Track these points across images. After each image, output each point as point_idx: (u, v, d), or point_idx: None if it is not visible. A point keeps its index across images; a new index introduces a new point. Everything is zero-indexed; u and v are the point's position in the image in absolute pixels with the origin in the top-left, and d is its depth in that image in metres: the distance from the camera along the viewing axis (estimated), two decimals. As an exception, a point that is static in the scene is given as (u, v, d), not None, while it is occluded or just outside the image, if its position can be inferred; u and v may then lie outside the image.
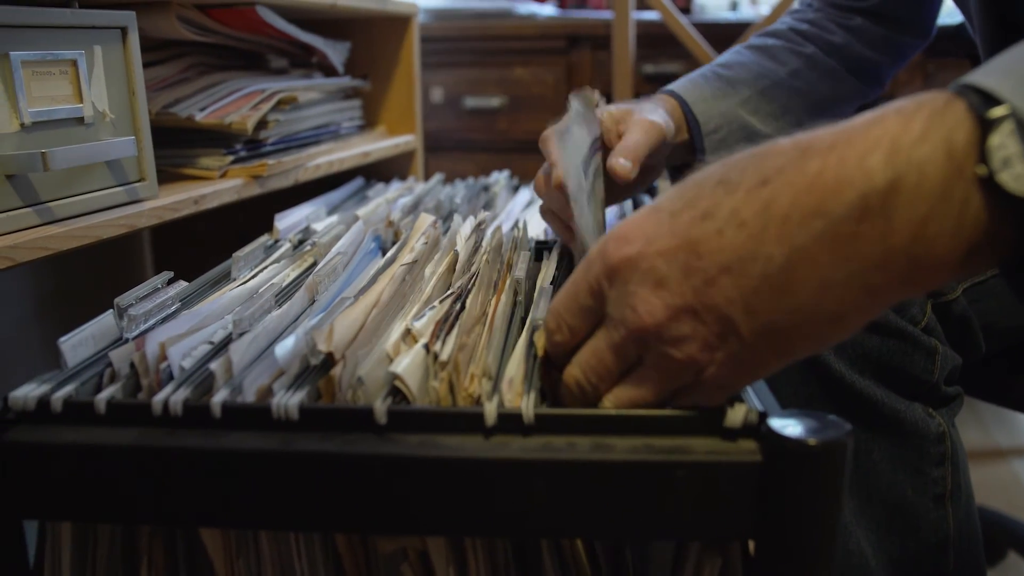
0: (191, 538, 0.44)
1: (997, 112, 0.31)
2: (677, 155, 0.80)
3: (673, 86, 0.82)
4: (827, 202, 0.34)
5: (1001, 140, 0.31)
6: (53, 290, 1.13)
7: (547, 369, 0.44)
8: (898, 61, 0.90)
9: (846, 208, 0.33)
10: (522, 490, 0.39)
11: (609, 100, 1.73)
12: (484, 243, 0.64)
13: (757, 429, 0.39)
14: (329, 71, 1.16)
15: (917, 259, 0.33)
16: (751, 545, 0.41)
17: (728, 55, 0.88)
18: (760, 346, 0.37)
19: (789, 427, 0.38)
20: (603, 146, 0.66)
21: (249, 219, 0.88)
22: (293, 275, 0.61)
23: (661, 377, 0.39)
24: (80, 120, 0.66)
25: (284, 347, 0.43)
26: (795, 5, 0.93)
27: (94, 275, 1.19)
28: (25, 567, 0.43)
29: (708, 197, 0.37)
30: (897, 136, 0.33)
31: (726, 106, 0.81)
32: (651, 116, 0.69)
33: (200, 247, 0.94)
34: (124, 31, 0.70)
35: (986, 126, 0.31)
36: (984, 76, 0.32)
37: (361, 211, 0.78)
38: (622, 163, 0.62)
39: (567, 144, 0.64)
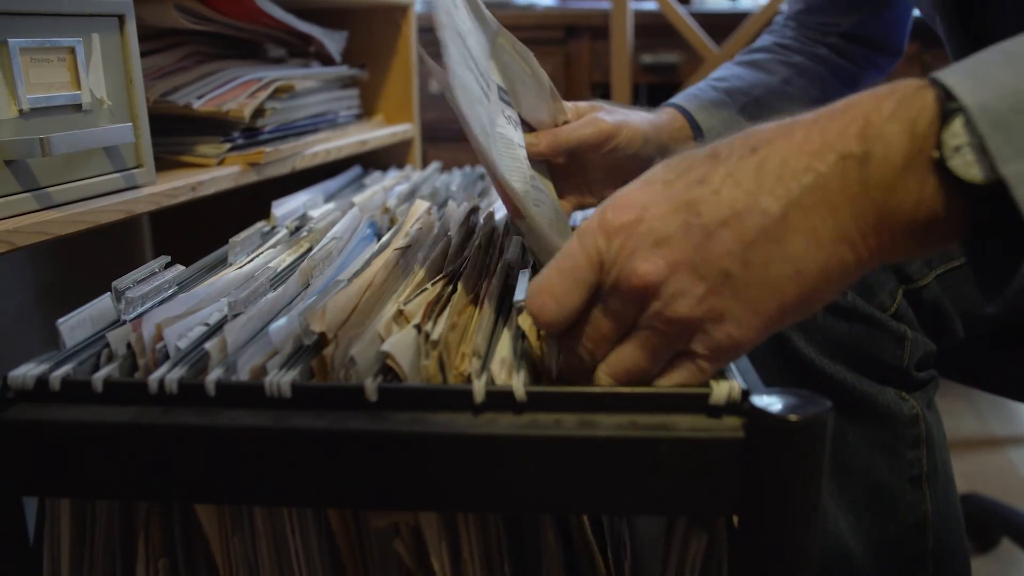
0: (187, 515, 0.45)
1: (954, 105, 0.35)
2: None
3: (675, 100, 0.83)
4: (814, 161, 0.37)
5: (955, 130, 0.34)
6: (53, 276, 1.14)
7: (548, 345, 0.44)
8: (874, 75, 0.93)
9: (830, 167, 0.37)
10: (510, 466, 0.39)
11: (607, 90, 1.74)
12: (477, 229, 0.65)
13: (740, 406, 0.40)
14: (327, 60, 1.17)
15: (887, 220, 0.37)
16: (735, 520, 0.41)
17: (720, 71, 0.90)
18: (753, 303, 0.38)
19: (771, 404, 0.38)
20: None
21: (249, 207, 0.88)
22: (289, 260, 0.62)
23: (655, 341, 0.40)
24: (78, 107, 0.67)
25: (278, 327, 0.43)
26: (773, 25, 0.96)
27: (94, 261, 1.20)
28: (25, 543, 0.44)
29: (700, 167, 0.40)
30: (869, 113, 0.37)
31: (726, 113, 0.82)
32: (608, 117, 0.69)
33: (199, 234, 0.95)
34: (122, 19, 0.71)
35: (945, 116, 0.35)
36: (950, 74, 0.36)
37: (358, 198, 0.78)
38: (531, 140, 0.64)
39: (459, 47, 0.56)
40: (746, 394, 0.40)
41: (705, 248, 0.38)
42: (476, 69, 0.55)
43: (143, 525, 0.44)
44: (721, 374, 0.42)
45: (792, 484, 0.38)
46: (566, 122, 0.68)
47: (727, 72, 0.88)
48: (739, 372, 0.43)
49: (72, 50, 0.66)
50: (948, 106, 0.35)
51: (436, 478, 0.40)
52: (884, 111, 0.36)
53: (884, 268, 0.66)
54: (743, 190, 0.38)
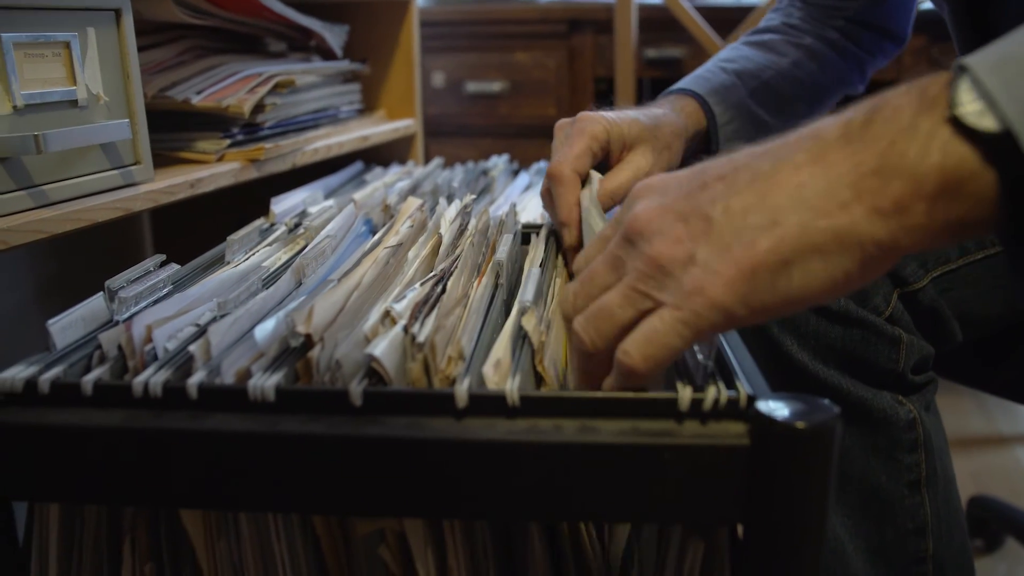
0: (174, 519, 0.44)
1: (962, 64, 0.34)
2: (691, 149, 0.80)
3: (684, 83, 0.81)
4: (820, 131, 0.38)
5: (967, 86, 0.34)
6: (53, 274, 1.13)
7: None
8: (880, 61, 0.92)
9: (832, 131, 0.37)
10: (499, 472, 0.38)
11: (611, 85, 1.72)
12: (470, 226, 0.64)
13: (745, 412, 0.39)
14: (328, 55, 1.16)
15: (888, 174, 0.35)
16: (739, 529, 0.40)
17: (728, 51, 0.88)
18: (725, 251, 0.37)
19: (777, 410, 0.37)
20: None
21: (252, 202, 0.87)
22: (285, 258, 0.61)
23: (630, 283, 0.39)
24: (74, 103, 0.66)
25: (264, 329, 0.42)
26: (778, 3, 0.94)
27: (94, 258, 1.19)
28: (15, 547, 0.44)
29: (715, 167, 0.41)
30: (884, 94, 0.37)
31: (736, 98, 0.81)
32: (641, 159, 0.68)
33: (201, 231, 0.94)
34: (118, 13, 0.70)
35: (955, 79, 0.34)
36: (967, 57, 0.35)
37: (358, 195, 0.78)
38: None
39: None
40: (751, 399, 0.39)
41: (696, 196, 0.39)
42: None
43: (129, 529, 0.43)
44: (727, 379, 0.41)
45: (799, 493, 0.37)
46: None
47: (735, 53, 0.87)
48: (745, 377, 0.42)
49: (67, 45, 0.65)
50: (958, 69, 0.34)
51: (421, 484, 0.39)
52: (899, 89, 0.36)
53: None
54: (749, 154, 0.39)
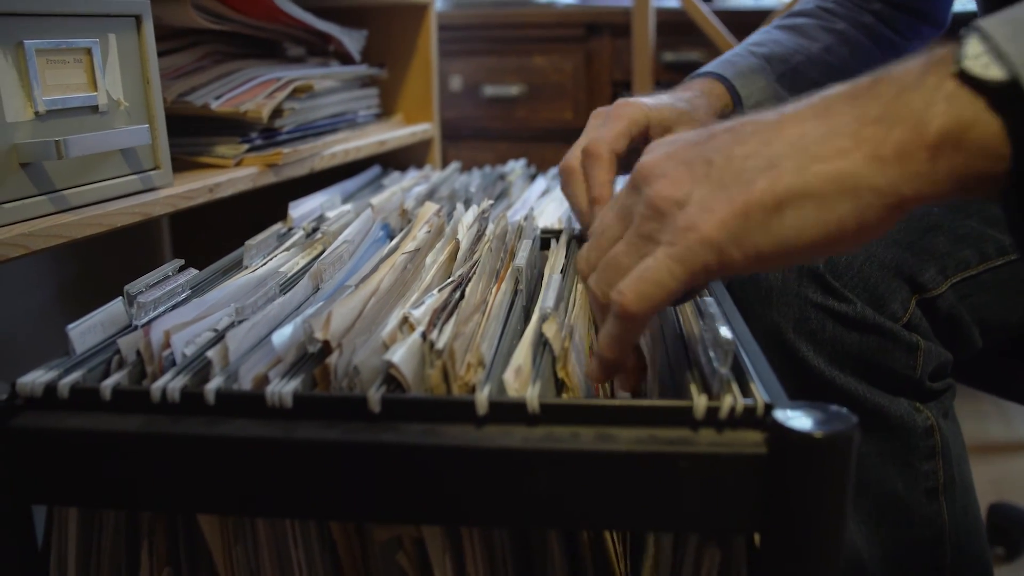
0: (192, 524, 0.44)
1: (972, 26, 0.35)
2: None
3: (711, 67, 0.80)
4: (828, 91, 0.38)
5: (973, 43, 0.34)
6: (73, 277, 1.15)
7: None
8: (917, 46, 0.90)
9: (840, 92, 0.38)
10: (518, 479, 0.38)
11: (629, 88, 1.72)
12: (488, 231, 0.64)
13: (762, 420, 0.38)
14: (346, 59, 1.16)
15: (892, 120, 0.35)
16: (756, 538, 0.40)
17: (758, 35, 0.87)
18: (721, 190, 0.37)
19: (794, 419, 0.37)
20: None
21: (270, 208, 0.88)
22: (303, 263, 0.61)
23: (636, 228, 0.40)
24: (95, 108, 0.67)
25: (282, 335, 0.43)
26: None
27: (114, 262, 1.20)
28: (34, 550, 0.44)
29: (725, 123, 0.41)
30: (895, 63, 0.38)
31: (764, 81, 0.80)
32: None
33: (220, 235, 0.95)
34: (139, 19, 0.71)
35: (964, 40, 0.35)
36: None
37: (375, 199, 0.78)
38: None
39: None
40: (768, 408, 0.38)
41: (702, 145, 0.40)
42: None
43: (147, 534, 0.44)
44: (743, 386, 0.41)
45: (816, 503, 0.37)
46: None
47: (765, 37, 0.85)
48: (763, 384, 0.41)
49: (89, 51, 0.66)
50: (968, 30, 0.35)
51: (440, 491, 0.39)
52: (907, 58, 0.37)
53: (896, 276, 0.64)
54: (758, 115, 0.40)
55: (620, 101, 0.67)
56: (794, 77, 0.81)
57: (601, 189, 0.61)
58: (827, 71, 0.84)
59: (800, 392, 0.64)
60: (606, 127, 0.65)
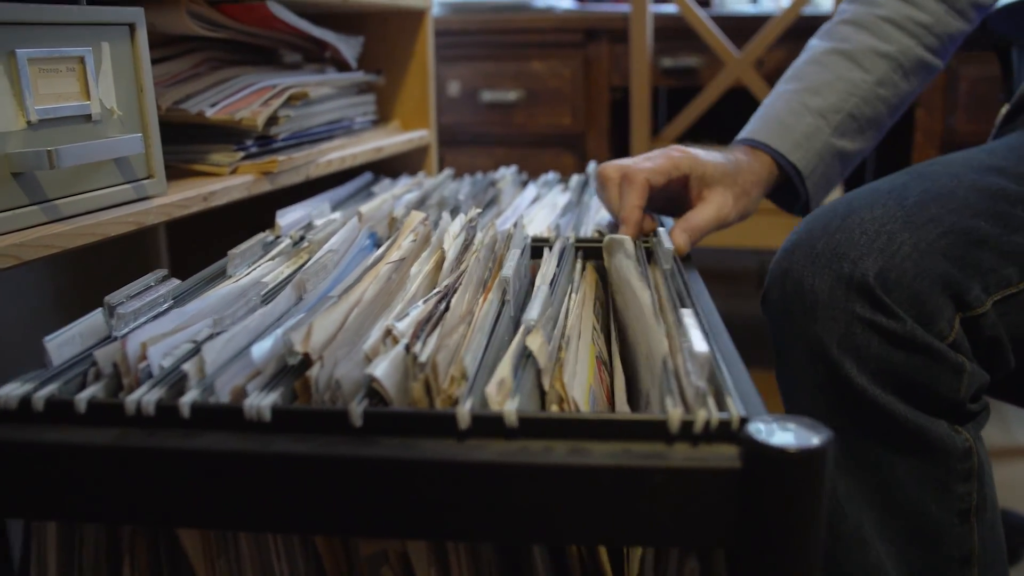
0: (173, 538, 0.44)
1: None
2: (773, 197, 0.85)
3: (761, 135, 0.81)
4: None
5: None
6: (68, 286, 1.15)
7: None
8: (974, 27, 0.87)
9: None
10: (498, 494, 0.38)
11: (626, 94, 1.72)
12: (476, 240, 0.63)
13: (737, 434, 0.38)
14: (342, 66, 1.16)
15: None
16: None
17: (811, 67, 0.85)
18: None
19: (769, 433, 0.37)
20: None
21: (266, 216, 0.88)
22: (286, 272, 0.61)
23: None
24: (87, 117, 0.66)
25: (261, 347, 0.42)
26: None
27: (109, 271, 1.20)
28: (10, 565, 0.44)
29: None
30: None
31: (820, 143, 0.81)
32: (722, 198, 0.75)
33: (216, 244, 0.95)
34: (132, 27, 0.70)
35: None
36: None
37: (365, 207, 0.78)
38: (680, 238, 0.70)
39: None
40: (744, 421, 0.38)
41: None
42: None
43: (128, 548, 0.44)
44: (719, 400, 0.40)
45: (790, 518, 0.37)
46: None
47: (819, 74, 0.83)
48: (740, 396, 0.41)
49: (81, 60, 0.66)
50: None
51: (422, 506, 0.38)
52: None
53: (943, 292, 0.63)
54: None
55: (674, 146, 0.75)
56: (850, 123, 0.82)
57: (630, 212, 0.69)
58: (879, 104, 0.83)
59: (838, 408, 0.63)
60: (652, 161, 0.72)
